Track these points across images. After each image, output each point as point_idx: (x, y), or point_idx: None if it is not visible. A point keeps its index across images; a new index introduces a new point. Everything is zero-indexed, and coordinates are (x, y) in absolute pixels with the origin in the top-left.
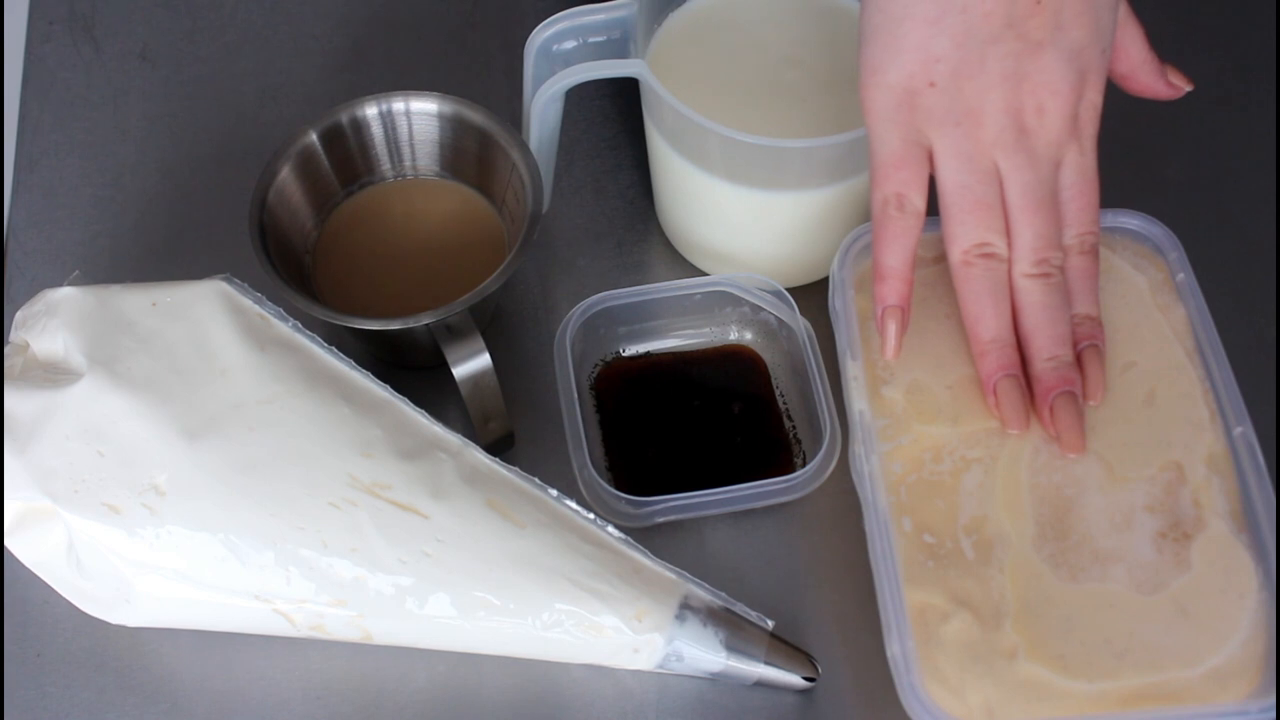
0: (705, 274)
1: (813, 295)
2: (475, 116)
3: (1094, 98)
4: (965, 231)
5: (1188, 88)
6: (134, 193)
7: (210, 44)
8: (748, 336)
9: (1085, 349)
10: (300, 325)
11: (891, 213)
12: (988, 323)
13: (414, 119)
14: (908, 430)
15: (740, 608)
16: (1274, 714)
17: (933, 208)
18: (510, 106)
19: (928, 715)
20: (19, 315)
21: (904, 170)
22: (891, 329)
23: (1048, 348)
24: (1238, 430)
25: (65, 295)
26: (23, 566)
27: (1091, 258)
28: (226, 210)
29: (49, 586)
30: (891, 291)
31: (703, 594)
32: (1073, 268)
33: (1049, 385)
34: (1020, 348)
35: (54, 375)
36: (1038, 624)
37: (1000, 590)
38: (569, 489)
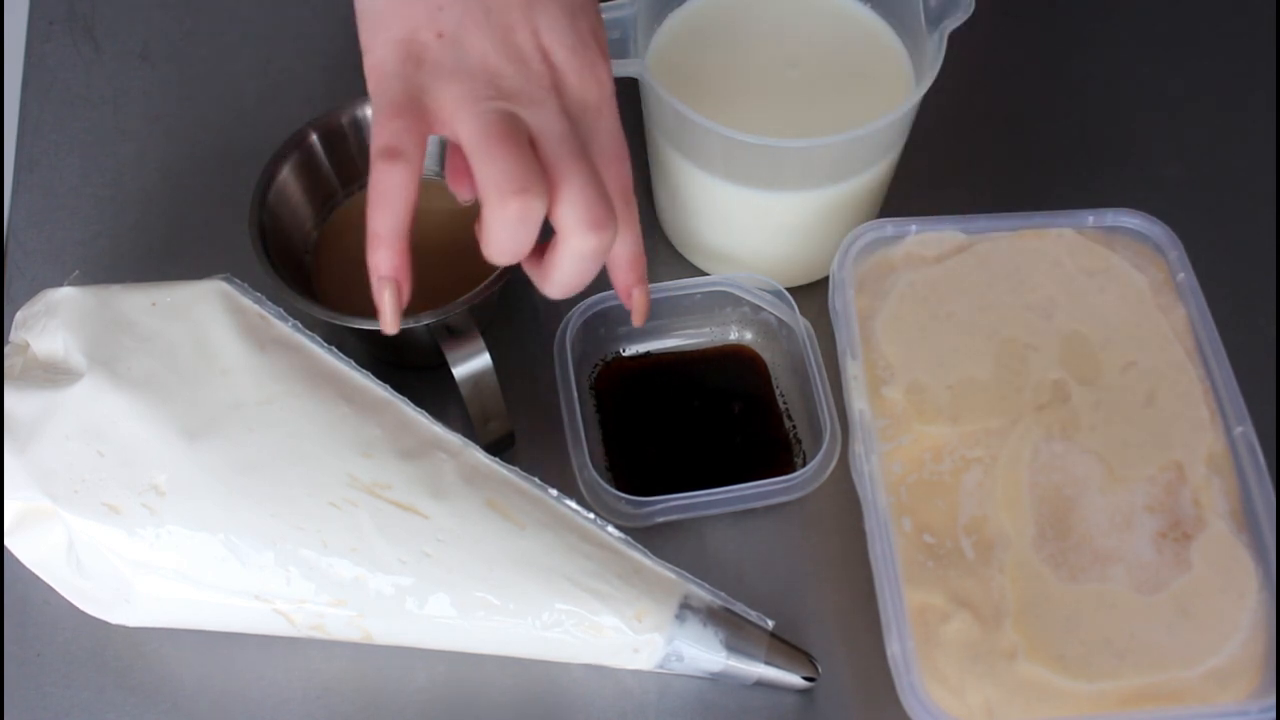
0: (705, 274)
1: (813, 295)
2: None
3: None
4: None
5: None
6: (134, 193)
7: (210, 44)
8: (748, 336)
9: None
10: (300, 325)
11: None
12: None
13: None
14: (908, 430)
15: (740, 608)
16: (1274, 714)
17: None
18: None
19: (928, 715)
20: (19, 315)
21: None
22: (386, 301)
23: None
24: (1238, 430)
25: (65, 295)
26: (23, 566)
27: None
28: (226, 210)
29: (49, 586)
30: (382, 261)
31: (703, 594)
32: None
33: None
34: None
35: (54, 375)
36: (1038, 624)
37: (1000, 590)
38: (569, 489)
